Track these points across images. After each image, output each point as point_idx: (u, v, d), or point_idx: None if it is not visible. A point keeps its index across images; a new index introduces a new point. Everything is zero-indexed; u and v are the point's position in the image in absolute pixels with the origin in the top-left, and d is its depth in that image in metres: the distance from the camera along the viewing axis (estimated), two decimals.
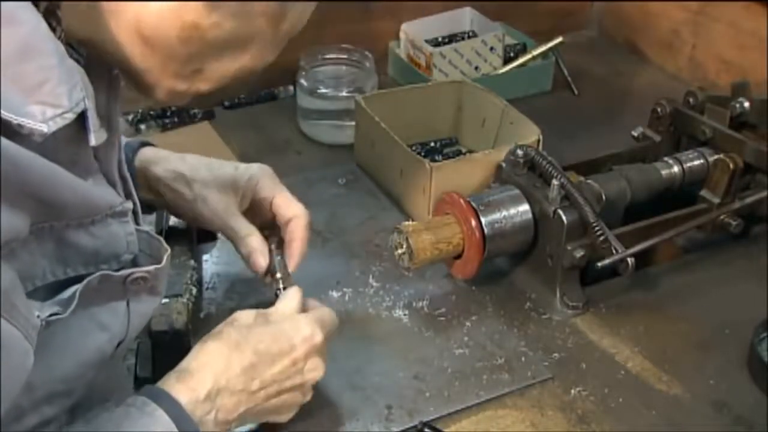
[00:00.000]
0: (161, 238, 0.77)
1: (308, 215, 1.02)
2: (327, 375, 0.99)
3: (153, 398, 0.76)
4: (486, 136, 1.39)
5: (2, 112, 0.58)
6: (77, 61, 0.66)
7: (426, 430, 0.95)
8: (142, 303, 0.77)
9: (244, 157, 1.39)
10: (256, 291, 1.11)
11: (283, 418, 0.90)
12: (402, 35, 1.67)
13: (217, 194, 1.01)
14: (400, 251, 1.11)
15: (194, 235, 1.10)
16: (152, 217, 1.06)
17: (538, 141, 1.28)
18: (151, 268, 0.75)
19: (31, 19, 0.61)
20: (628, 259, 1.09)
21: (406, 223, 1.13)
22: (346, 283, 1.17)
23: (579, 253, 1.10)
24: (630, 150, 1.32)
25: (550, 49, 1.67)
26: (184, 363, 0.82)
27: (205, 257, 1.17)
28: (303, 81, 1.48)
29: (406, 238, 1.10)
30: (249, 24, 0.68)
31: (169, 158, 1.02)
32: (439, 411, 0.98)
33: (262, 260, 0.99)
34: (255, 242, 1.00)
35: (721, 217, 1.20)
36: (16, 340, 0.61)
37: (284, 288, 0.97)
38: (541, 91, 1.67)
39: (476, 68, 1.63)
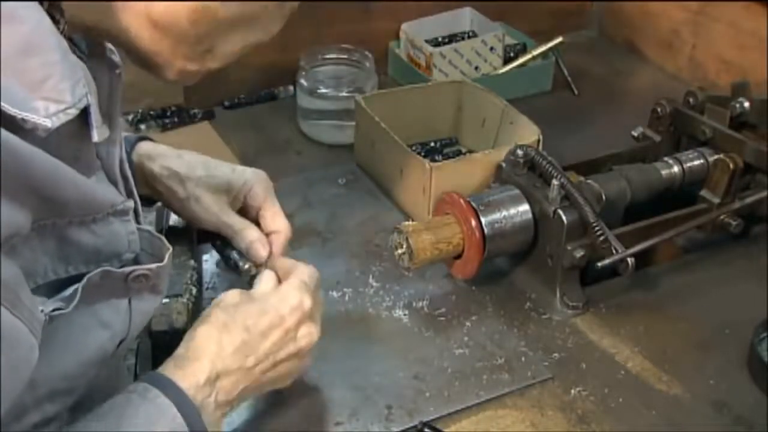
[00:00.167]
0: (162, 237, 0.78)
1: (290, 231, 1.02)
2: (327, 375, 0.99)
3: (155, 384, 0.76)
4: (486, 136, 1.39)
5: (7, 106, 0.58)
6: (80, 58, 0.67)
7: (426, 430, 0.95)
8: (144, 301, 0.77)
9: (244, 157, 1.39)
10: None
11: (285, 385, 0.91)
12: (402, 35, 1.67)
13: (210, 194, 1.01)
14: (400, 251, 1.11)
15: (194, 234, 1.09)
16: (152, 216, 1.06)
17: (538, 141, 1.28)
18: (153, 265, 0.75)
19: (34, 16, 0.61)
20: (628, 259, 1.09)
21: (406, 223, 1.13)
22: (346, 283, 1.17)
23: (579, 253, 1.10)
24: (630, 150, 1.32)
25: (550, 49, 1.67)
26: (180, 350, 0.82)
27: (205, 257, 1.17)
28: (303, 81, 1.48)
29: (406, 238, 1.10)
30: (257, 2, 0.70)
31: (166, 155, 1.02)
32: (439, 411, 0.98)
33: (262, 250, 0.99)
34: (253, 234, 1.00)
35: (721, 217, 1.20)
36: (22, 334, 0.61)
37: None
38: (541, 91, 1.67)
39: (476, 68, 1.63)
